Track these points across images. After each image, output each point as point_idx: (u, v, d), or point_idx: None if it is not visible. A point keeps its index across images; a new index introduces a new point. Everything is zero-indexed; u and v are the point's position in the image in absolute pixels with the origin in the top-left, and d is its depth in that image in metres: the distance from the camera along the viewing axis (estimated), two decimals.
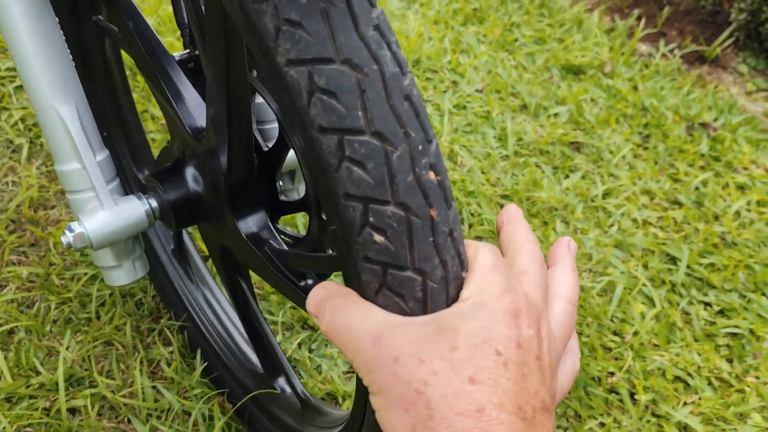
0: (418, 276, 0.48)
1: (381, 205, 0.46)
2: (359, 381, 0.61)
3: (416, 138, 0.47)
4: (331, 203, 0.48)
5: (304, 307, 0.69)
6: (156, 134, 1.48)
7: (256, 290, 1.14)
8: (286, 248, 0.74)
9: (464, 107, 1.80)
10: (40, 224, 1.22)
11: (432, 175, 0.48)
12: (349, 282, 0.52)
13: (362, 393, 0.61)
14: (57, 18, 0.72)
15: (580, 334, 1.24)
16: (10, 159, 1.33)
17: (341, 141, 0.46)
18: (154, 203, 0.77)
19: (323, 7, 0.45)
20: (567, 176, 1.62)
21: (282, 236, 0.76)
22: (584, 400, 1.14)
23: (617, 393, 1.16)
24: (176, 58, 0.81)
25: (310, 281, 0.71)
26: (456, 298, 0.49)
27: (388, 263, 0.48)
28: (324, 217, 0.69)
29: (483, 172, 1.58)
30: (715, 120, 1.89)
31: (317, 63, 0.45)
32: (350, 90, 0.45)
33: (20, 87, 1.51)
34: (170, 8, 1.90)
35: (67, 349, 1.03)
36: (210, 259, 1.13)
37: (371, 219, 0.47)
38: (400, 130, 0.46)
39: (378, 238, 0.47)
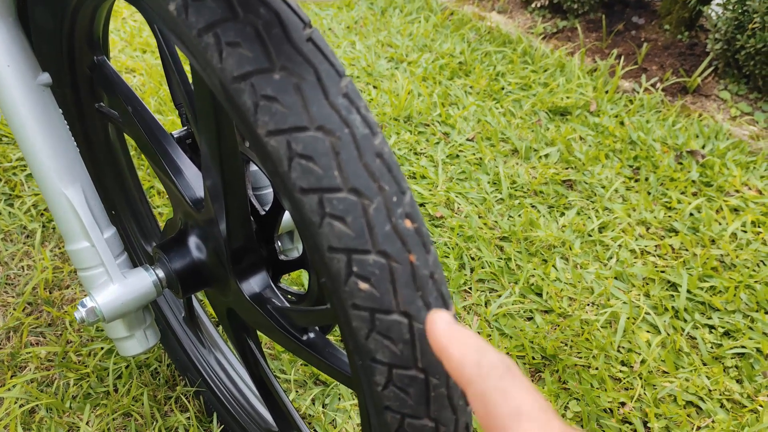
0: (404, 319, 0.52)
1: (363, 254, 0.50)
2: None
3: (390, 190, 0.52)
4: (318, 257, 0.52)
5: (309, 362, 0.73)
6: (163, 208, 1.53)
7: (267, 350, 1.17)
8: (287, 305, 0.77)
9: (457, 156, 1.86)
10: (55, 304, 1.26)
11: (408, 223, 0.52)
12: (342, 330, 0.55)
13: None
14: (61, 109, 0.78)
15: (588, 367, 1.25)
16: (24, 244, 1.38)
17: (321, 199, 0.50)
18: (161, 273, 0.82)
19: (295, 81, 0.50)
20: (562, 214, 1.66)
21: (287, 295, 0.80)
22: None
23: (630, 423, 1.17)
24: (175, 136, 0.87)
25: (311, 335, 0.75)
26: None
27: (375, 308, 0.51)
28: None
29: (480, 217, 1.62)
30: (703, 147, 1.93)
31: (294, 131, 0.50)
32: (325, 153, 0.50)
33: (31, 175, 1.58)
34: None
35: (87, 424, 1.06)
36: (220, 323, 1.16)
37: (355, 268, 0.50)
38: (374, 185, 0.51)
39: (363, 285, 0.51)
